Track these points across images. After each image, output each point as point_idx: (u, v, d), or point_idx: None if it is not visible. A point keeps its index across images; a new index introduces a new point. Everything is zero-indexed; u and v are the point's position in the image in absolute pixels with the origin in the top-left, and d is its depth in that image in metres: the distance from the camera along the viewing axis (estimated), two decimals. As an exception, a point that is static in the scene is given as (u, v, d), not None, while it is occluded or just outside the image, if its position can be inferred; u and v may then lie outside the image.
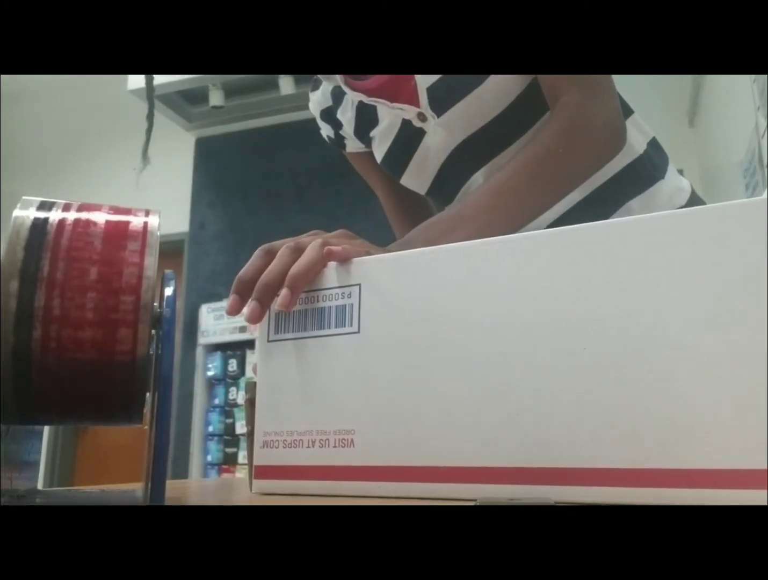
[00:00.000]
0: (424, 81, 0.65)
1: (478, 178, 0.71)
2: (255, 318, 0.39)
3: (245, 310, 0.39)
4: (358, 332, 0.36)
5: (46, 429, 0.38)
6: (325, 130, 0.81)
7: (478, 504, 0.27)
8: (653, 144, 0.73)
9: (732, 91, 2.28)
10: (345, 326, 0.37)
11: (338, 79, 0.70)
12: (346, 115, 0.74)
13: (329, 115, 0.78)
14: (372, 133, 0.73)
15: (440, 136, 0.68)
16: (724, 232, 0.28)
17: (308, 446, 0.36)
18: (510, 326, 0.32)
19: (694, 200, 0.73)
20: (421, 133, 0.69)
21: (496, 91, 0.64)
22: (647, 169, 0.70)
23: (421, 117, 0.67)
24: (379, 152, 0.74)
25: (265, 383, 0.39)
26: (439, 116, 0.66)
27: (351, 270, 0.38)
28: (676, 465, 0.27)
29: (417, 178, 0.74)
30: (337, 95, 0.75)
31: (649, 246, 0.30)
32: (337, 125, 0.78)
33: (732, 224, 0.28)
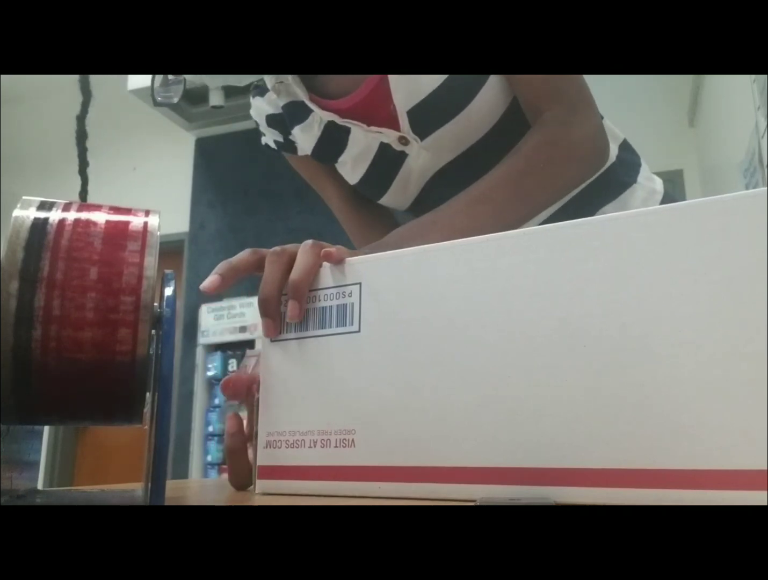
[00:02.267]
0: (404, 104, 0.62)
1: None
2: (272, 332, 0.39)
3: (260, 327, 0.40)
4: (359, 331, 0.36)
5: (46, 429, 0.38)
6: (272, 136, 0.76)
7: (478, 504, 0.27)
8: (624, 147, 0.73)
9: (732, 91, 2.28)
10: (346, 326, 0.37)
11: (300, 95, 0.66)
12: (310, 132, 0.69)
13: (276, 120, 0.73)
14: (343, 157, 0.69)
15: (424, 159, 0.66)
16: (725, 226, 0.28)
17: (310, 446, 0.36)
18: (510, 323, 0.32)
19: (666, 201, 0.73)
20: (403, 156, 0.66)
21: (486, 110, 0.62)
22: (619, 176, 0.69)
23: (403, 141, 0.64)
24: (353, 175, 0.71)
25: (268, 383, 0.39)
26: (422, 139, 0.64)
27: (351, 269, 0.38)
28: (675, 466, 0.27)
29: (398, 199, 0.71)
30: (296, 112, 0.70)
31: (649, 241, 0.29)
32: (286, 130, 0.73)
33: (733, 217, 0.28)
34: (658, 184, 0.75)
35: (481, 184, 0.57)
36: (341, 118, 0.65)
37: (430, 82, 0.61)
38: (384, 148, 0.66)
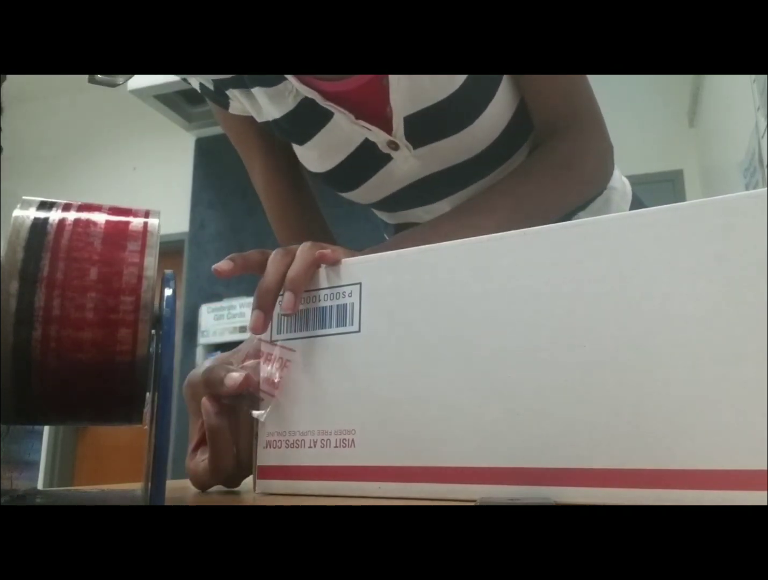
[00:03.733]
0: (402, 108, 0.57)
1: (442, 206, 0.66)
2: (260, 327, 0.39)
3: (249, 320, 0.39)
4: (359, 331, 0.36)
5: (46, 429, 0.38)
6: (200, 78, 0.63)
7: (478, 504, 0.27)
8: None
9: (732, 91, 2.28)
10: (346, 326, 0.37)
11: None
12: (281, 101, 0.60)
13: None
14: (313, 141, 0.62)
15: (411, 166, 0.61)
16: (726, 226, 0.28)
17: (310, 446, 0.36)
18: (510, 323, 0.32)
19: (635, 204, 0.73)
20: (387, 158, 0.61)
21: (489, 126, 0.59)
22: None
23: (392, 145, 0.59)
24: (320, 163, 0.64)
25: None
26: (415, 148, 0.59)
27: (351, 269, 0.38)
28: (675, 466, 0.27)
29: (365, 196, 0.66)
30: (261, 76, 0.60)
31: (650, 241, 0.29)
32: (224, 82, 0.62)
33: (734, 217, 0.28)
34: (627, 185, 0.75)
35: (486, 198, 0.56)
36: (324, 100, 0.57)
37: (437, 92, 0.56)
38: (367, 145, 0.60)
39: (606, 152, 0.62)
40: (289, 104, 0.60)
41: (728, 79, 2.30)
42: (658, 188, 2.91)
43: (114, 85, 0.51)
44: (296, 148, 0.65)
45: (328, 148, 0.62)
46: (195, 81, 0.64)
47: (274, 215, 0.72)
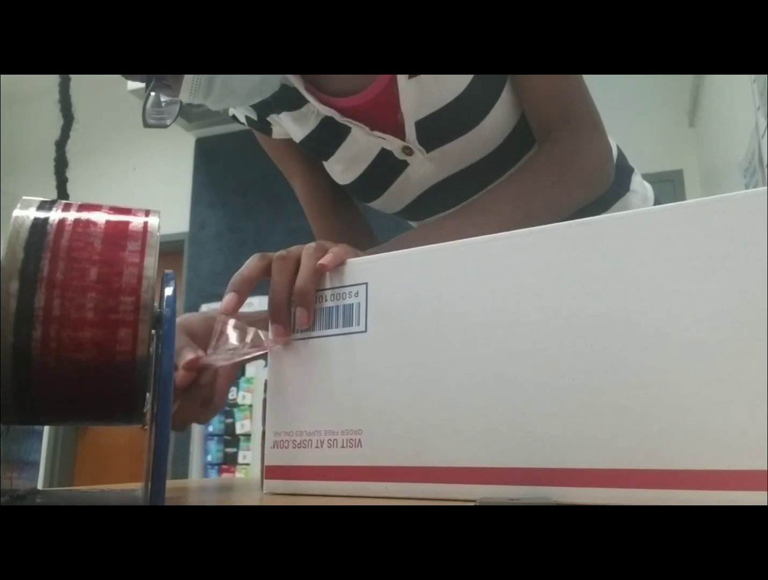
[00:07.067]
0: (412, 114, 0.60)
1: None
2: (282, 337, 0.39)
3: (270, 333, 0.39)
4: (365, 331, 0.36)
5: (46, 429, 0.38)
6: (242, 111, 0.70)
7: (477, 504, 0.27)
8: (618, 154, 0.72)
9: (732, 91, 2.28)
10: (352, 326, 0.37)
11: (294, 82, 0.62)
12: (304, 123, 0.66)
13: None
14: (336, 155, 0.67)
15: (426, 169, 0.65)
16: (731, 224, 0.28)
17: (317, 446, 0.36)
18: (516, 323, 0.32)
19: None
20: (404, 164, 0.65)
21: (497, 127, 0.61)
22: (613, 186, 0.68)
23: (407, 150, 0.63)
24: (345, 175, 0.68)
25: (275, 383, 0.39)
26: (428, 151, 0.62)
27: (357, 269, 0.38)
28: (676, 466, 0.27)
29: (389, 204, 0.70)
30: (286, 97, 0.65)
31: (655, 239, 0.29)
32: (263, 110, 0.69)
33: (737, 215, 0.28)
34: (650, 190, 0.75)
35: (489, 198, 0.57)
36: (342, 116, 0.62)
37: (443, 96, 0.59)
38: (384, 154, 0.64)
39: (604, 151, 0.62)
40: (311, 124, 0.65)
41: (728, 79, 2.30)
42: (658, 188, 2.88)
43: (164, 126, 0.58)
44: (325, 164, 0.70)
45: (349, 161, 0.66)
46: (241, 115, 0.71)
47: (316, 226, 0.77)
